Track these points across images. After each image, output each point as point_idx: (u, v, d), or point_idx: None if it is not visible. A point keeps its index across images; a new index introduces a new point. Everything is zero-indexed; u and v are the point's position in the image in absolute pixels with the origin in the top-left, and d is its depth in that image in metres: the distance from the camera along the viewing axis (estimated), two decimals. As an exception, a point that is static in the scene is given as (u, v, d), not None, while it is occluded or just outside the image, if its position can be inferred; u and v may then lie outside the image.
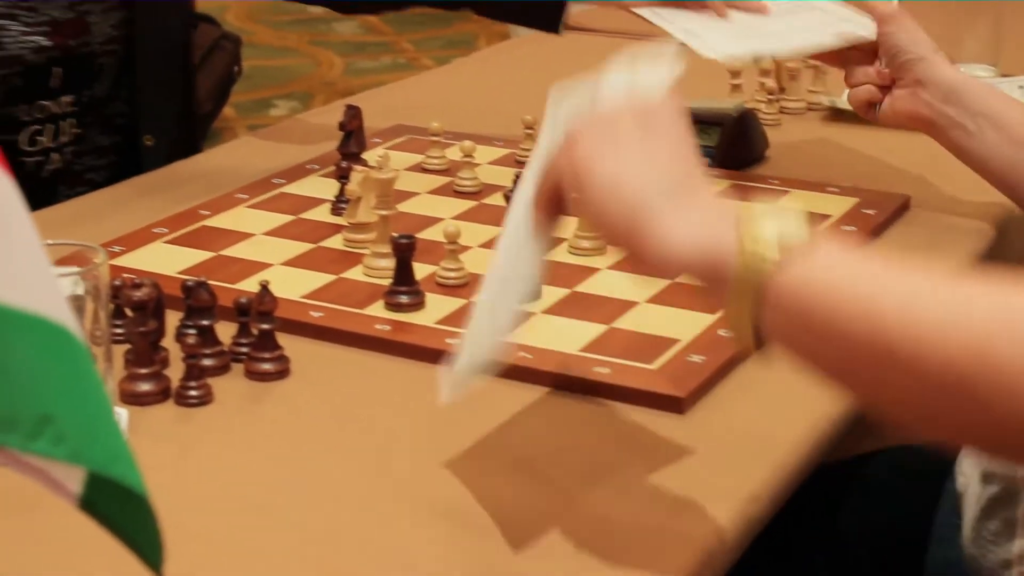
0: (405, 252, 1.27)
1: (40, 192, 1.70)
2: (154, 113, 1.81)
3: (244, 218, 1.49)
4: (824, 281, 0.82)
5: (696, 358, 1.18)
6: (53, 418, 0.64)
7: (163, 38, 1.81)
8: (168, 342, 1.19)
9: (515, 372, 1.17)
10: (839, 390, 0.87)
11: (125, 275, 1.23)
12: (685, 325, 1.25)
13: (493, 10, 1.77)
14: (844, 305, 0.81)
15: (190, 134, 1.90)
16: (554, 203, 0.97)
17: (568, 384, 1.15)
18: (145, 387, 1.13)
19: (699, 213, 0.88)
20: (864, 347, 0.80)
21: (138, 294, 1.12)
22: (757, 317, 0.85)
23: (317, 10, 1.88)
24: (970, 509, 1.14)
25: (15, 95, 1.67)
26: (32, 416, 0.64)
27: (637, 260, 0.91)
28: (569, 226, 1.42)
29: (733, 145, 1.66)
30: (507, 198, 1.32)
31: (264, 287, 1.17)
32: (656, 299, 1.31)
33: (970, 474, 1.15)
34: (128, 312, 1.16)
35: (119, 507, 0.66)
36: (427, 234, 1.42)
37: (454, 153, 1.64)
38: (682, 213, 0.88)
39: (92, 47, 1.72)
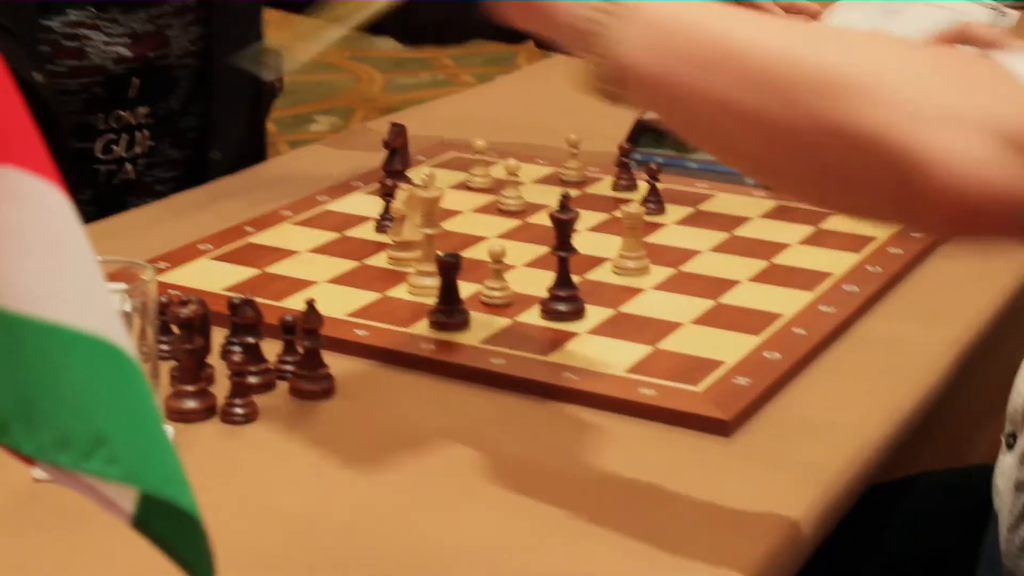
0: (450, 271, 1.27)
1: (110, 200, 1.73)
2: (223, 128, 1.83)
3: (289, 235, 1.49)
4: (685, 8, 0.94)
5: (742, 380, 1.18)
6: (106, 438, 0.64)
7: (238, 54, 1.83)
8: (213, 359, 1.19)
9: (560, 392, 1.17)
10: (686, 125, 0.96)
11: (171, 292, 1.23)
12: (730, 347, 1.24)
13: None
14: (701, 22, 0.92)
15: (258, 151, 1.93)
16: None
17: (613, 405, 1.15)
18: (191, 404, 1.13)
19: None
20: (713, 59, 0.90)
21: (185, 311, 1.12)
22: (619, 46, 0.93)
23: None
24: (1004, 522, 1.13)
25: (94, 104, 1.71)
26: (85, 436, 0.65)
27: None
28: (613, 247, 1.42)
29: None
30: (552, 218, 1.32)
31: (310, 305, 1.18)
32: (701, 320, 1.30)
33: (1004, 489, 1.14)
34: (175, 329, 1.16)
35: (171, 526, 0.66)
36: (471, 252, 1.42)
37: (498, 171, 1.64)
38: None
39: (170, 60, 1.75)
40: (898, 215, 0.91)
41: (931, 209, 0.84)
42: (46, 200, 0.66)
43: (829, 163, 0.87)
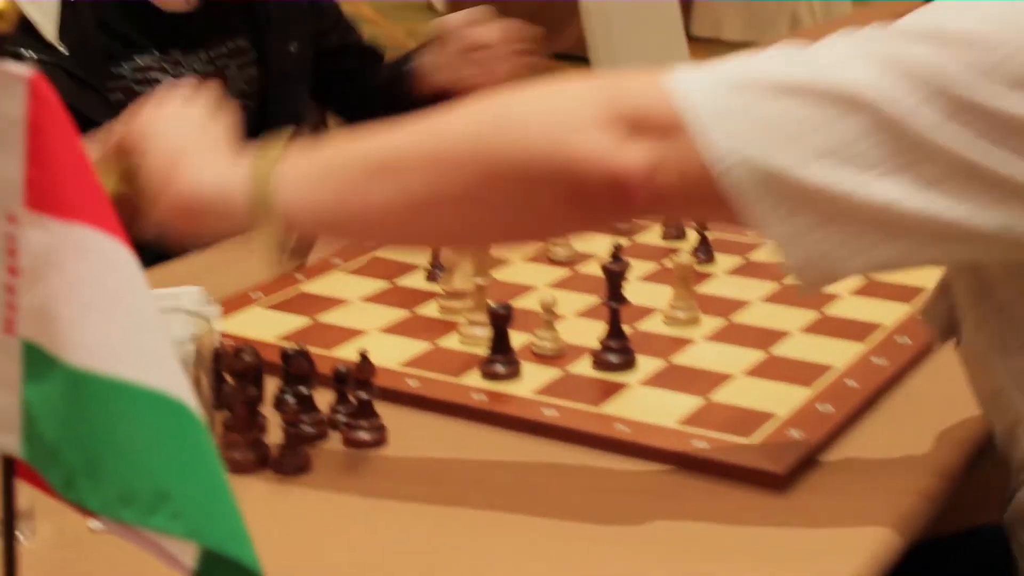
0: (502, 322, 1.28)
1: (172, 242, 1.75)
2: None
3: (339, 283, 1.50)
4: (326, 148, 1.06)
5: (795, 433, 1.17)
6: (170, 494, 0.65)
7: (291, 98, 1.85)
8: (266, 407, 1.19)
9: (613, 444, 1.16)
10: (372, 234, 1.11)
11: (225, 340, 1.24)
12: (782, 399, 1.24)
13: None
14: (348, 148, 1.05)
15: None
16: (125, 143, 1.16)
17: (666, 458, 1.15)
18: (244, 454, 1.13)
19: (222, 160, 1.10)
20: (370, 170, 1.02)
21: (240, 362, 1.13)
22: (278, 201, 1.04)
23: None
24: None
25: None
26: (149, 492, 0.65)
27: (172, 195, 1.10)
28: (663, 297, 1.42)
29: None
30: (604, 269, 1.32)
31: (364, 356, 1.18)
32: (752, 371, 1.30)
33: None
34: (228, 378, 1.17)
35: (232, 582, 0.66)
36: (521, 302, 1.43)
37: (547, 220, 1.64)
38: (209, 159, 1.10)
39: (231, 102, 1.79)
40: (587, 218, 1.03)
41: (603, 199, 0.98)
42: (111, 256, 0.67)
43: (510, 204, 1.00)
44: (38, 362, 0.67)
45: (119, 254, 0.67)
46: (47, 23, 1.67)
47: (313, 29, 1.91)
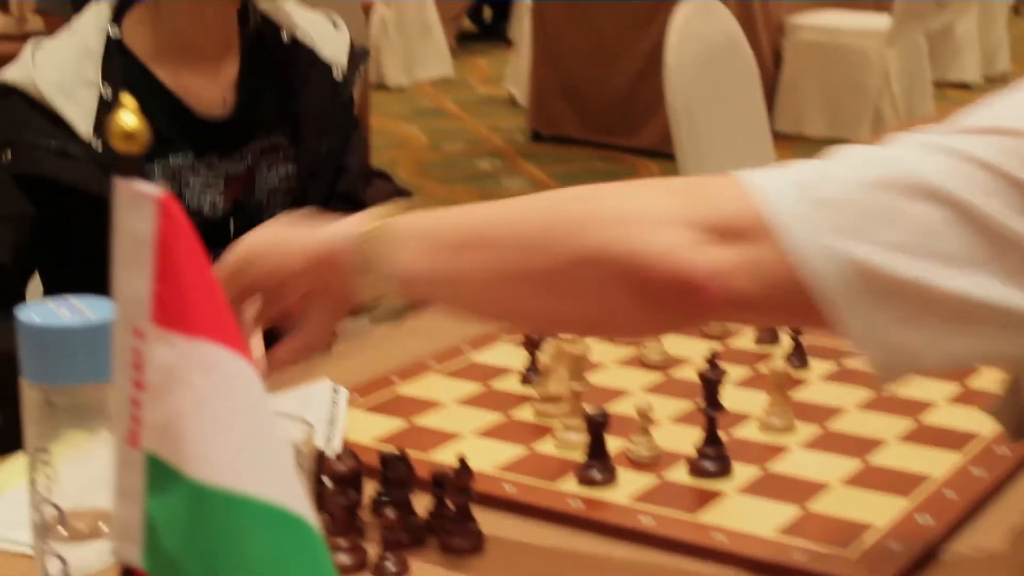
0: (599, 428, 1.28)
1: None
2: None
3: (435, 386, 1.51)
4: (436, 213, 1.11)
5: (895, 546, 1.16)
6: (290, 608, 0.66)
7: (319, 198, 1.87)
8: (362, 509, 1.20)
9: (711, 554, 1.16)
10: (470, 304, 1.12)
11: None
12: (880, 509, 1.23)
13: None
14: (450, 218, 1.10)
15: None
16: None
17: (764, 569, 1.14)
18: (343, 559, 1.14)
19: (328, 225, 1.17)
20: (470, 241, 1.07)
21: (341, 467, 1.14)
22: (394, 265, 1.09)
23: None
24: None
25: None
26: (269, 605, 0.66)
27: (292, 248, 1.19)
28: (758, 402, 1.42)
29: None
30: (702, 377, 1.32)
31: (463, 462, 1.19)
32: (851, 481, 1.29)
33: None
34: (326, 481, 1.18)
35: None
36: (615, 406, 1.43)
37: (640, 323, 1.64)
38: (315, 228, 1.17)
39: (256, 197, 1.81)
40: (657, 317, 1.04)
41: (670, 299, 1.00)
42: (235, 372, 0.68)
43: (587, 291, 1.03)
44: (161, 475, 0.68)
45: (243, 371, 0.68)
46: (81, 119, 1.69)
47: (343, 137, 1.92)
